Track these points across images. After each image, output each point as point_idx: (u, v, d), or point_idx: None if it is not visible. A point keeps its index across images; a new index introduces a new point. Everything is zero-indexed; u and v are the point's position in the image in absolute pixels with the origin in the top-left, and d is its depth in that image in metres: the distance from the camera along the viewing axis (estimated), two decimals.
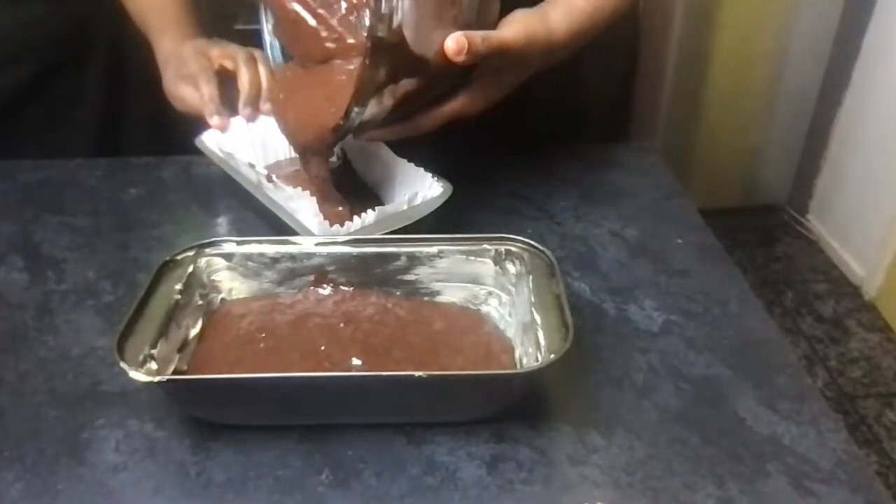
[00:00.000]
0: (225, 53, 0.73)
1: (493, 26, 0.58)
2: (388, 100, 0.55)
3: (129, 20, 0.85)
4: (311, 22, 0.58)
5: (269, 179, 0.62)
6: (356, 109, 0.53)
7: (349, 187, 0.67)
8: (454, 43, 0.52)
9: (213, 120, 0.71)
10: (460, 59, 0.53)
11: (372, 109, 0.55)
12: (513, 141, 0.79)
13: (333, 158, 0.71)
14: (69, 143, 0.89)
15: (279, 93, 0.62)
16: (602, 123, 0.89)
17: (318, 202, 0.61)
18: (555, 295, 0.50)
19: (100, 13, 0.92)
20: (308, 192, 0.59)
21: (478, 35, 0.53)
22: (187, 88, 0.73)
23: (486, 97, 0.60)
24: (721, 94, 1.97)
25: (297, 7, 0.59)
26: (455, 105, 0.59)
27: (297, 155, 0.68)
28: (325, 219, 0.58)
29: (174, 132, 0.80)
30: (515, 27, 0.57)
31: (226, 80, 0.73)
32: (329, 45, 0.58)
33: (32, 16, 0.86)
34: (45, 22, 0.87)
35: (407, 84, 0.55)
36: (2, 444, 0.47)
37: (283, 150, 0.74)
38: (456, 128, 0.61)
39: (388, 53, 0.51)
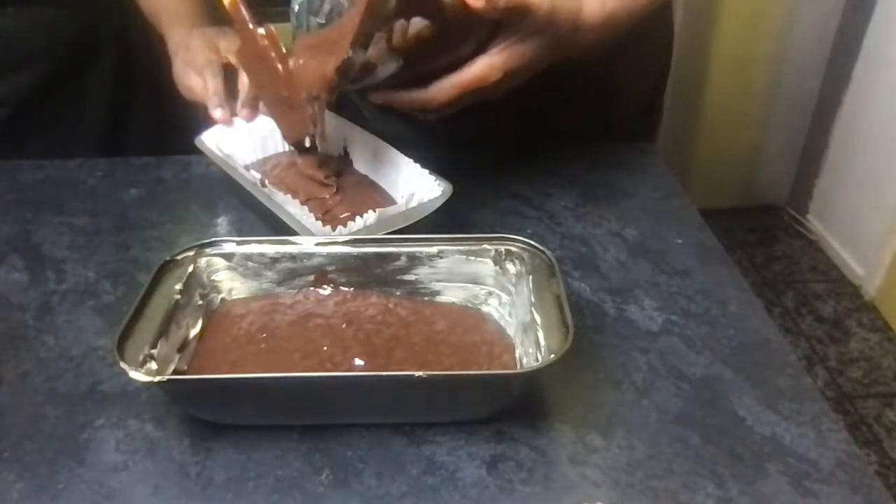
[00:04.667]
0: (231, 48, 0.73)
1: None
2: (398, 37, 0.53)
3: (136, 21, 0.85)
4: (276, 63, 0.58)
5: (263, 185, 0.63)
6: (362, 39, 0.51)
7: (350, 184, 0.67)
8: None
9: (217, 114, 0.71)
10: (479, 4, 0.50)
11: (386, 65, 0.54)
12: (547, 135, 0.77)
13: (335, 153, 0.71)
14: (75, 143, 0.90)
15: (297, 55, 0.61)
16: (634, 120, 0.87)
17: (310, 200, 0.61)
18: (555, 295, 0.50)
19: (108, 15, 0.92)
20: (298, 200, 0.60)
21: None
22: (195, 78, 0.74)
23: (503, 64, 0.56)
24: (721, 94, 1.97)
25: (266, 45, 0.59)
26: (472, 72, 0.56)
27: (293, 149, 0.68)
28: (316, 217, 0.58)
29: (178, 132, 0.80)
30: None
31: (231, 73, 0.74)
32: (284, 92, 0.58)
33: (44, 19, 0.87)
34: (56, 25, 0.88)
35: (419, 25, 0.53)
36: (2, 444, 0.47)
37: (281, 145, 0.74)
38: (489, 115, 0.58)
39: None
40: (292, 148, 0.70)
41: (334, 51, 0.54)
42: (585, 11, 0.58)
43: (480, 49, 0.57)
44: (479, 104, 0.59)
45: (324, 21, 0.67)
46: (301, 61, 0.58)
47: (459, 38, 0.56)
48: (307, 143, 0.65)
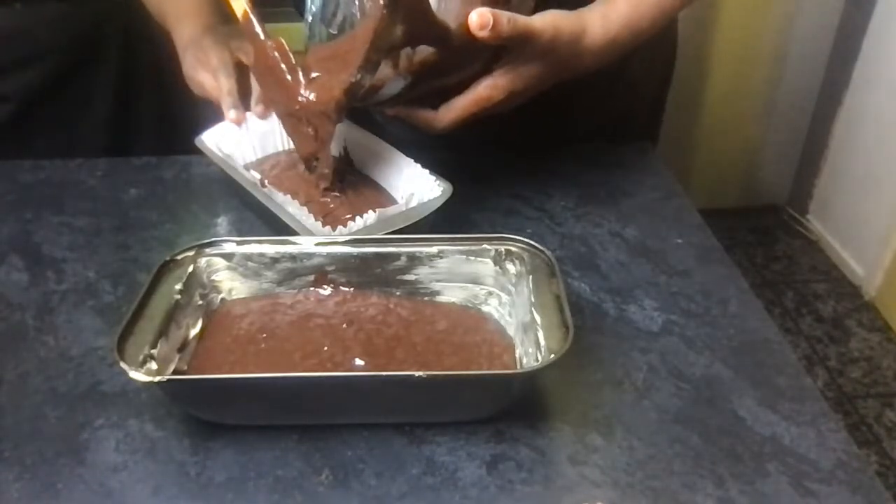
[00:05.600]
0: (243, 47, 0.74)
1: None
2: (404, 62, 0.55)
3: (141, 18, 0.85)
4: (286, 77, 0.59)
5: (263, 185, 0.63)
6: (369, 66, 0.53)
7: (350, 184, 0.67)
8: (479, 17, 0.52)
9: (231, 114, 0.71)
10: (483, 34, 0.52)
11: (392, 83, 0.55)
12: (559, 140, 0.78)
13: (335, 153, 0.71)
14: (80, 142, 0.90)
15: (311, 68, 0.62)
16: (645, 120, 0.89)
17: (310, 202, 0.61)
18: (555, 295, 0.50)
19: (112, 13, 0.93)
20: (297, 201, 0.60)
21: (504, 15, 0.53)
22: (206, 75, 0.74)
23: (507, 86, 0.58)
24: (721, 94, 1.97)
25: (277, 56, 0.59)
26: (477, 93, 0.58)
27: (292, 147, 0.68)
28: (316, 219, 0.58)
29: (182, 131, 0.81)
30: (545, 18, 0.57)
31: (244, 71, 0.74)
32: (296, 104, 0.58)
33: (49, 17, 0.87)
34: (61, 23, 0.88)
35: (425, 52, 0.55)
36: (2, 444, 0.47)
37: (281, 144, 0.75)
38: (497, 124, 0.60)
39: (407, 9, 0.51)
40: (294, 151, 0.70)
41: (344, 65, 0.55)
42: (588, 36, 0.59)
43: (484, 70, 0.58)
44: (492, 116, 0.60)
45: (336, 32, 0.68)
46: (313, 74, 0.59)
47: (464, 61, 0.58)
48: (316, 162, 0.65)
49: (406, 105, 0.62)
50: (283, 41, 0.60)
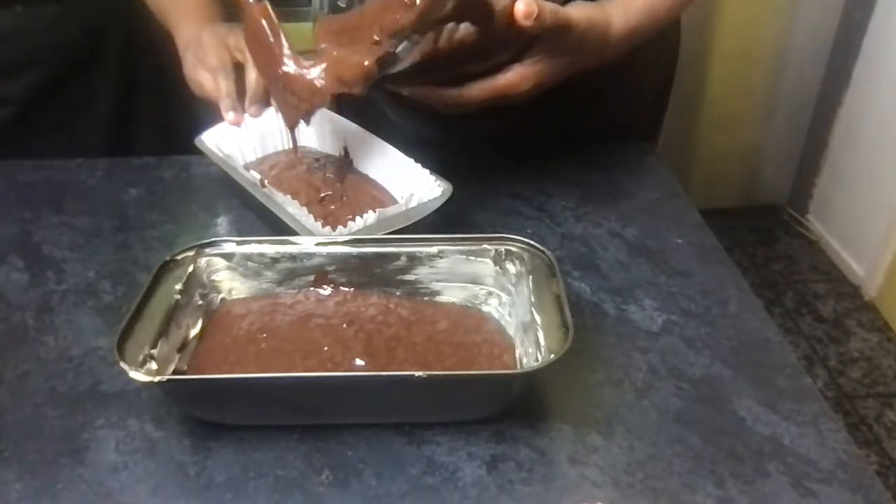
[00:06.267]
0: (239, 45, 0.74)
1: None
2: (445, 38, 0.55)
3: (142, 18, 0.85)
4: (270, 39, 0.59)
5: (263, 185, 0.63)
6: (414, 37, 0.53)
7: (350, 184, 0.67)
8: (525, 6, 0.53)
9: (229, 116, 0.72)
10: (527, 23, 0.53)
11: (409, 57, 0.55)
12: (563, 139, 0.79)
13: (336, 153, 0.71)
14: (80, 141, 0.90)
15: (320, 40, 0.62)
16: (649, 116, 0.90)
17: (310, 203, 0.61)
18: (555, 295, 0.50)
19: (113, 16, 0.93)
20: (297, 201, 0.60)
21: (548, 5, 0.54)
22: (205, 75, 0.74)
23: (536, 76, 0.59)
24: (721, 93, 1.97)
25: (264, 24, 0.59)
26: (506, 78, 0.59)
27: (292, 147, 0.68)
28: (316, 219, 0.58)
29: (182, 133, 0.81)
30: (578, 9, 0.58)
31: (240, 71, 0.74)
32: (280, 70, 0.58)
33: (49, 19, 0.87)
34: (62, 25, 0.88)
35: (463, 32, 0.56)
36: (2, 444, 0.47)
37: (281, 144, 0.75)
38: (508, 115, 0.60)
39: None
40: (290, 147, 0.70)
41: (356, 38, 0.55)
42: (612, 27, 0.61)
43: (514, 59, 0.59)
44: (505, 106, 0.61)
45: (344, 5, 0.68)
46: (324, 45, 0.59)
47: (497, 47, 0.59)
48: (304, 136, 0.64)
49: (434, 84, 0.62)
50: (268, 5, 0.60)
